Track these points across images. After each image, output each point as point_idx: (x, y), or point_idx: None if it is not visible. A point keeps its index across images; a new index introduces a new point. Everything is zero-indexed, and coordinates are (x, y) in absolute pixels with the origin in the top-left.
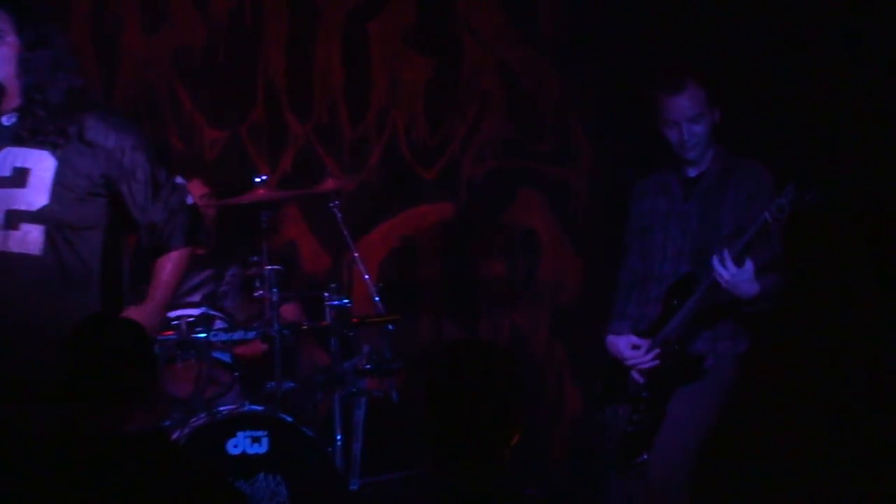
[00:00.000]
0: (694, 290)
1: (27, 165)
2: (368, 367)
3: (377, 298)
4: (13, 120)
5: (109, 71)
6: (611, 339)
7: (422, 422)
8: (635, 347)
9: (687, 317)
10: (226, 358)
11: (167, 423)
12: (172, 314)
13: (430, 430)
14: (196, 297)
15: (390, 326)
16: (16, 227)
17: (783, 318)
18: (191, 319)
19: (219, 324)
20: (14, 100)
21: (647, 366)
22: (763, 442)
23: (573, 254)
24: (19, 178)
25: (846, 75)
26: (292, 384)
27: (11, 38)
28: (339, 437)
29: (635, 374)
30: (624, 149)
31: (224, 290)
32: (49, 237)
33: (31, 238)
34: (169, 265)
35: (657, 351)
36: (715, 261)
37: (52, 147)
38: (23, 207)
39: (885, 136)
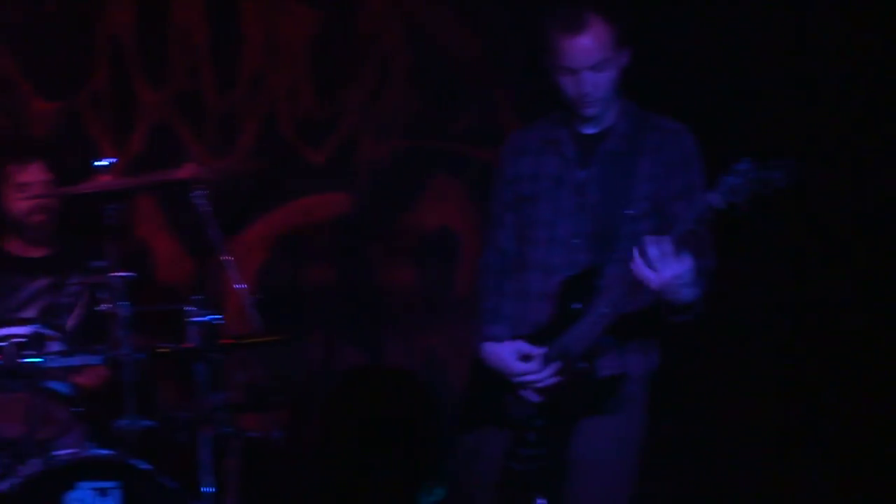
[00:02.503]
0: (597, 287)
1: None
2: (244, 400)
3: (253, 313)
4: None
5: None
6: (489, 346)
7: (313, 468)
8: (526, 358)
9: (596, 326)
10: (64, 389)
11: None
12: None
13: (324, 478)
14: (30, 313)
15: (271, 349)
16: None
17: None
18: (20, 340)
19: (55, 346)
20: None
21: (545, 383)
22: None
23: None
24: None
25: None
26: (148, 422)
27: None
28: (208, 489)
29: (528, 394)
30: None
31: (64, 302)
32: None
33: None
34: None
35: (557, 365)
36: (637, 254)
37: None
38: None
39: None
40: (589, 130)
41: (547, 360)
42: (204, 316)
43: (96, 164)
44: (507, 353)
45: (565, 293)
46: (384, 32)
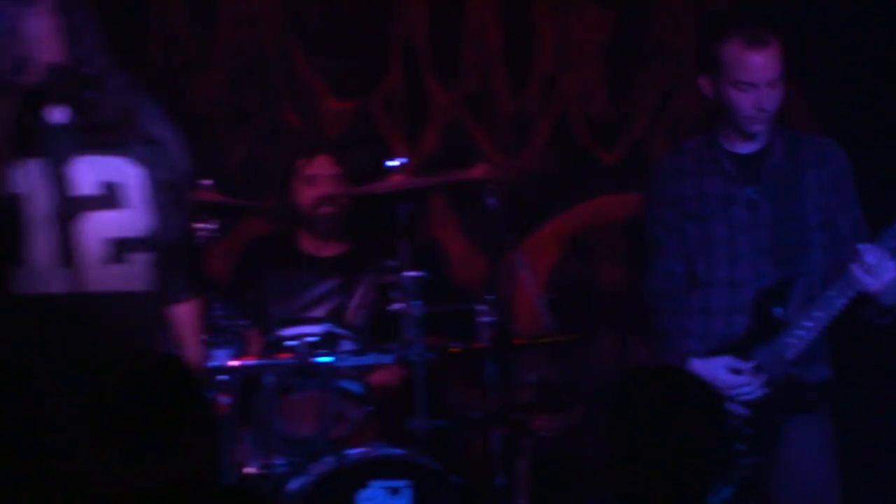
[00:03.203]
0: (793, 296)
1: (112, 179)
2: (535, 400)
3: (545, 313)
4: (67, 115)
5: (205, 27)
6: (697, 362)
7: (602, 467)
8: (736, 372)
9: (811, 331)
10: (356, 388)
11: (283, 467)
12: (289, 332)
13: (612, 477)
14: (319, 311)
15: (563, 349)
16: (122, 260)
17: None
18: (312, 339)
19: (347, 345)
20: (59, 86)
21: (755, 395)
22: None
23: None
24: (111, 196)
25: None
26: (440, 422)
27: (43, 1)
28: (499, 487)
29: (734, 406)
30: None
31: (354, 302)
32: (153, 268)
33: (139, 271)
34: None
35: (765, 376)
36: (857, 262)
37: (126, 150)
38: (127, 233)
39: None
40: (746, 148)
41: (757, 371)
42: (496, 316)
43: (389, 163)
44: (718, 368)
45: (763, 304)
46: (678, 33)
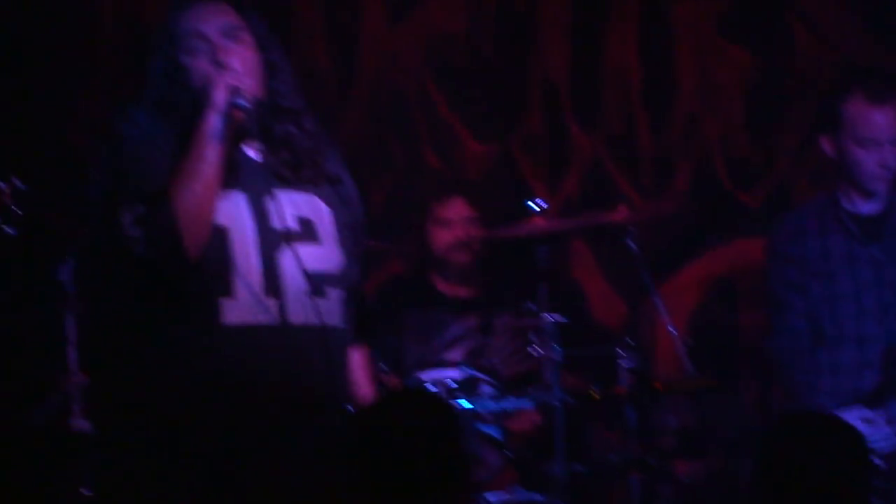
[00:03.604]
0: None
1: (307, 215)
2: (676, 445)
3: (686, 358)
4: (264, 150)
5: (345, 67)
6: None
7: None
8: (869, 423)
9: None
10: (495, 432)
11: None
12: (428, 375)
13: None
14: (456, 354)
15: (704, 395)
16: (322, 294)
17: None
18: (451, 383)
19: (486, 389)
20: (259, 121)
21: (889, 447)
22: None
23: None
24: (308, 231)
25: None
26: (579, 467)
27: (246, 36)
28: None
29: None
30: None
31: (491, 344)
32: (343, 305)
33: (335, 307)
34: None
35: None
36: None
37: (316, 188)
38: (324, 268)
39: None
40: (867, 208)
41: (891, 422)
42: (635, 360)
43: (529, 205)
44: (850, 419)
45: (892, 358)
46: (820, 73)
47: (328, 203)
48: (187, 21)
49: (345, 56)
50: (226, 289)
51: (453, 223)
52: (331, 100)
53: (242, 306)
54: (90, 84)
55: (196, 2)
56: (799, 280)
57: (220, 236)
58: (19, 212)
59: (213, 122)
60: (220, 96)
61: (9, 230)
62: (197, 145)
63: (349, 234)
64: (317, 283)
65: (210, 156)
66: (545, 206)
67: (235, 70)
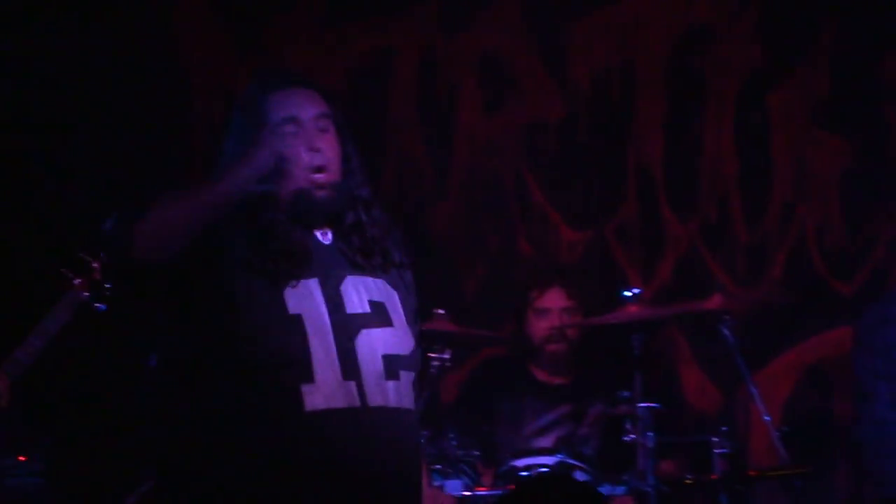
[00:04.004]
0: None
1: (379, 299)
2: None
3: (780, 445)
4: (335, 236)
5: (441, 156)
6: None
7: None
8: None
9: None
10: None
11: None
12: (521, 462)
13: None
14: (548, 441)
15: (797, 482)
16: (396, 376)
17: None
18: (544, 471)
19: (578, 475)
20: (334, 207)
21: None
22: None
23: None
24: (380, 314)
25: None
26: None
27: (331, 125)
28: None
29: None
30: None
31: (584, 432)
32: (415, 388)
33: (407, 389)
34: None
35: None
36: None
37: (383, 273)
38: (397, 351)
39: None
40: None
41: None
42: (729, 448)
43: (624, 293)
44: None
45: None
46: None
47: (395, 287)
48: (280, 105)
49: (440, 144)
50: (306, 375)
51: (551, 313)
52: (426, 188)
53: (324, 391)
54: (184, 161)
55: (286, 86)
56: (884, 370)
57: (296, 324)
58: (109, 288)
59: (262, 159)
60: (301, 169)
61: (99, 306)
62: (230, 173)
63: (413, 318)
64: (391, 365)
65: (229, 186)
66: (640, 293)
67: (325, 155)
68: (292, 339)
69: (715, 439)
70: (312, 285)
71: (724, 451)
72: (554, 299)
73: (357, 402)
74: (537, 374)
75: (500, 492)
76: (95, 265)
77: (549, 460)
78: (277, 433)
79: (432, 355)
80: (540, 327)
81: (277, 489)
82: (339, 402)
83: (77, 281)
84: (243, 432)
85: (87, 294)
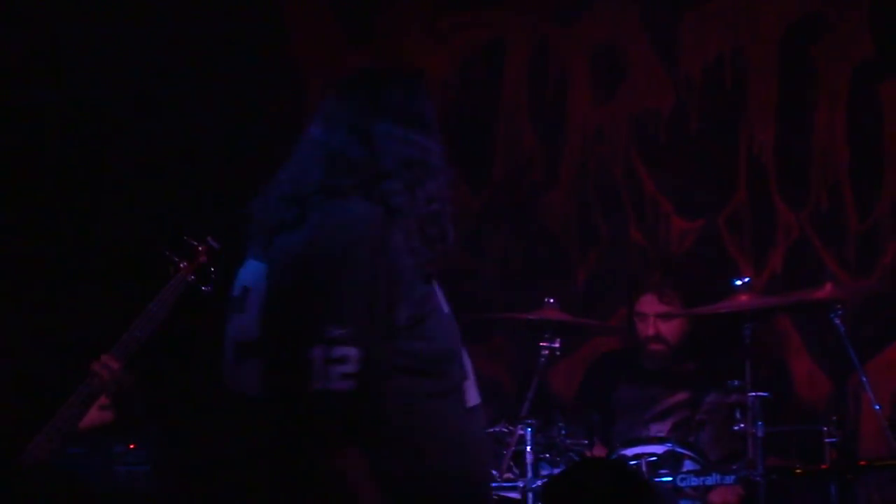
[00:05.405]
0: None
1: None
2: None
3: (890, 435)
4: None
5: (552, 145)
6: None
7: None
8: None
9: None
10: None
11: None
12: (631, 451)
13: None
14: (664, 427)
15: None
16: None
17: None
18: (653, 458)
19: (688, 464)
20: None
21: None
22: None
23: None
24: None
25: None
26: None
27: None
28: None
29: None
30: None
31: (700, 419)
32: None
33: None
34: None
35: None
36: None
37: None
38: None
39: None
40: None
41: None
42: (841, 436)
43: (735, 283)
44: None
45: None
46: None
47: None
48: (424, 103)
49: (551, 134)
50: (464, 372)
51: (647, 318)
52: (537, 177)
53: (473, 387)
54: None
55: (421, 83)
56: None
57: (453, 321)
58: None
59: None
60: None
61: (206, 289)
62: None
63: None
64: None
65: None
66: (750, 282)
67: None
68: (455, 336)
69: (825, 429)
70: (437, 287)
71: (834, 440)
72: (647, 305)
73: (479, 401)
74: (648, 365)
75: None
76: (201, 248)
77: (658, 449)
78: (454, 428)
79: (543, 344)
80: (640, 329)
81: (458, 486)
82: (478, 399)
83: (183, 265)
84: (422, 421)
85: (192, 277)
